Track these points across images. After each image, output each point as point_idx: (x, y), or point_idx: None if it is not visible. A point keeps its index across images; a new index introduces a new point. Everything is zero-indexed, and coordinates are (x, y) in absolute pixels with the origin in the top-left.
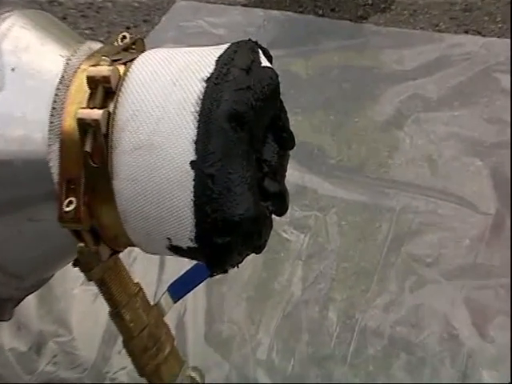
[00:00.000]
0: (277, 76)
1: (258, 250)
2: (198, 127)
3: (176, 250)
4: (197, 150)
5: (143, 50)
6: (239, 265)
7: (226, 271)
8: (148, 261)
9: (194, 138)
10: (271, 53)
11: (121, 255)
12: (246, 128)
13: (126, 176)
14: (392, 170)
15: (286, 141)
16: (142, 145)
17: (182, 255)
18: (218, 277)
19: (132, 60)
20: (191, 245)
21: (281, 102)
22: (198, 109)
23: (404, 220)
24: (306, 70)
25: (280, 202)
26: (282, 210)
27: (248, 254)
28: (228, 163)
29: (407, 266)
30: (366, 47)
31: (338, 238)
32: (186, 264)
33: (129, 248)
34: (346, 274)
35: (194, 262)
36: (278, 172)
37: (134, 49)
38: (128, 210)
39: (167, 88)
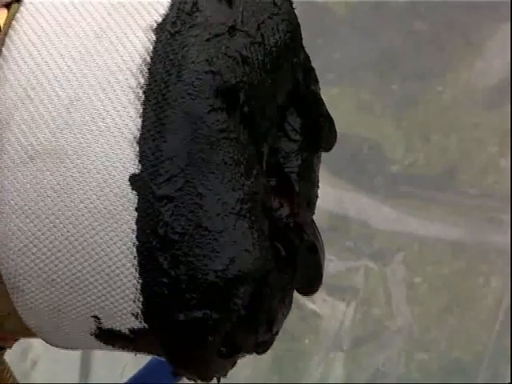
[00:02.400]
0: (289, 2)
1: (262, 348)
2: (144, 114)
3: (109, 338)
4: (142, 156)
5: None
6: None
7: (203, 378)
8: (59, 364)
9: (137, 134)
10: None
11: (8, 356)
12: (236, 110)
13: (14, 208)
14: (506, 178)
15: (319, 131)
16: (42, 151)
17: (122, 347)
18: None
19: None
20: (136, 325)
21: (305, 55)
22: (142, 81)
23: None
24: (346, 2)
25: (310, 263)
26: (312, 282)
27: (242, 356)
28: (198, 176)
29: None
30: None
31: (410, 309)
32: (129, 365)
33: (23, 342)
34: (425, 373)
35: (145, 361)
36: (305, 194)
37: None
38: (20, 271)
39: (86, 45)
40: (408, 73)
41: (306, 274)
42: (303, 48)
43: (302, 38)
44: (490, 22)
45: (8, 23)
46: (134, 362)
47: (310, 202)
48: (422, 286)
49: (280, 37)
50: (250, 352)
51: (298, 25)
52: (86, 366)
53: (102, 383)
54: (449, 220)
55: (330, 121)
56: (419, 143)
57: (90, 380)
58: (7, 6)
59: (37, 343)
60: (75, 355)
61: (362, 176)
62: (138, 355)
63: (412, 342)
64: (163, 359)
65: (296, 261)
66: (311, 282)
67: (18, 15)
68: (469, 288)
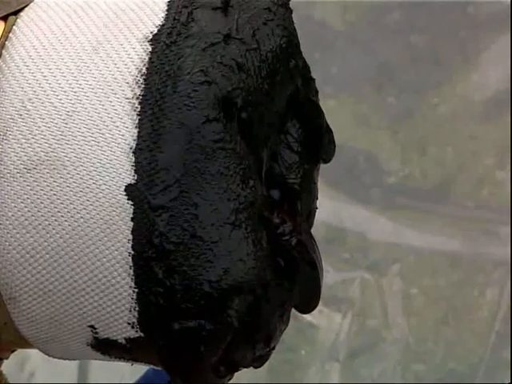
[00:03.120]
0: (284, 7)
1: (259, 362)
2: (140, 125)
3: (106, 348)
4: (138, 166)
5: None
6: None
7: None
8: (57, 375)
9: (133, 145)
10: None
11: (6, 367)
12: (233, 118)
13: (11, 219)
14: (503, 190)
15: (320, 142)
16: (39, 161)
17: (119, 357)
18: None
19: (18, 12)
20: (132, 334)
21: (305, 64)
22: (138, 92)
23: None
24: (343, 14)
25: (309, 279)
26: (311, 299)
27: (238, 369)
28: (193, 186)
29: None
30: None
31: (406, 320)
32: (126, 376)
33: (21, 353)
34: None
35: (142, 370)
36: (306, 207)
37: None
38: (17, 281)
39: (83, 58)
40: (404, 86)
41: (305, 290)
42: (301, 53)
43: (299, 43)
44: (486, 35)
45: (5, 35)
46: (131, 372)
47: (310, 214)
48: (418, 297)
49: (275, 42)
50: (246, 366)
51: (294, 29)
52: (83, 377)
53: None
54: (445, 232)
55: (329, 132)
56: (415, 155)
57: None
58: (4, 18)
59: (34, 354)
60: (73, 366)
61: (359, 188)
62: (135, 365)
63: (408, 353)
64: (160, 369)
65: (296, 276)
66: (309, 299)
67: (14, 28)
68: (465, 299)
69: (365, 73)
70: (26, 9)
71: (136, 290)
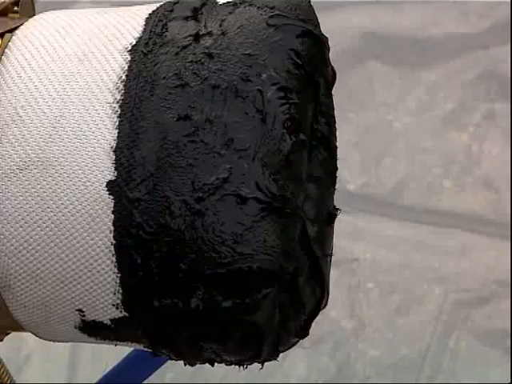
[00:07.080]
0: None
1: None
2: (120, 126)
3: (93, 329)
4: (117, 163)
5: (32, 14)
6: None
7: (178, 357)
8: (49, 359)
9: (114, 144)
10: None
11: (1, 351)
12: (214, 95)
13: (5, 215)
14: (449, 197)
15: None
16: (30, 162)
17: (105, 337)
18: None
19: (14, 29)
20: (117, 315)
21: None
22: (118, 97)
23: (471, 276)
24: None
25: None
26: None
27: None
28: (165, 180)
29: (477, 352)
30: None
31: (363, 311)
32: (114, 358)
33: (16, 336)
34: (377, 368)
35: (126, 352)
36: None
37: (16, 12)
38: (11, 271)
39: (69, 68)
40: (364, 102)
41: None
42: (293, 37)
43: (284, 25)
44: (432, 57)
45: (1, 51)
46: (120, 355)
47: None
48: (374, 290)
49: (241, 24)
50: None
51: (275, 15)
52: (73, 358)
53: (91, 372)
54: (398, 233)
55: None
56: (372, 165)
57: (77, 374)
58: (2, 35)
59: (28, 335)
60: (64, 347)
61: None
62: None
63: (365, 339)
64: (141, 350)
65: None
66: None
67: (10, 44)
68: (415, 292)
69: None
70: (21, 27)
71: (119, 275)
